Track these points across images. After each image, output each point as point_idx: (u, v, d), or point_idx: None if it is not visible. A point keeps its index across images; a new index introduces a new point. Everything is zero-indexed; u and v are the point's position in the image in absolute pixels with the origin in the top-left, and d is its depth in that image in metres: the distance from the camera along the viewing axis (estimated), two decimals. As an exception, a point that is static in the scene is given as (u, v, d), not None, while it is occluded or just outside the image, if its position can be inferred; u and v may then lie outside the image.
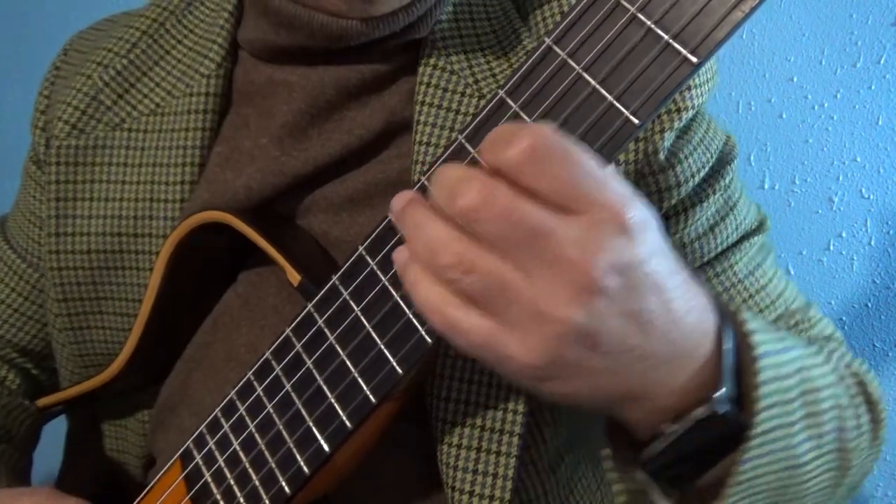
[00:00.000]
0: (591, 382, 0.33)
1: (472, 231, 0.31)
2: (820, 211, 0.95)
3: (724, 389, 0.36)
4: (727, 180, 0.55)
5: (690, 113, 0.49)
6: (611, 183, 0.32)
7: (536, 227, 0.30)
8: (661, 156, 0.49)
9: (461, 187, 0.31)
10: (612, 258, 0.31)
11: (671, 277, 0.33)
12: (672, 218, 0.52)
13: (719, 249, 0.55)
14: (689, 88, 0.48)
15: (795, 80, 0.93)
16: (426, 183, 0.38)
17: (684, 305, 0.34)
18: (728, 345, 0.37)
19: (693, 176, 0.51)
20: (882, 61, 0.89)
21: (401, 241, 0.39)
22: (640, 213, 0.32)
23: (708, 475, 0.38)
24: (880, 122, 0.91)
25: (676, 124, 0.49)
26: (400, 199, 0.35)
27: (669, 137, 0.49)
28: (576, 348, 0.31)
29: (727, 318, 0.38)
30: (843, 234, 0.95)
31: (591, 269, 0.30)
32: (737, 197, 0.56)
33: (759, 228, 0.57)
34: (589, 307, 0.31)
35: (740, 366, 0.37)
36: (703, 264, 0.54)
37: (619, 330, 0.32)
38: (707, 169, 0.53)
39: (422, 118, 0.50)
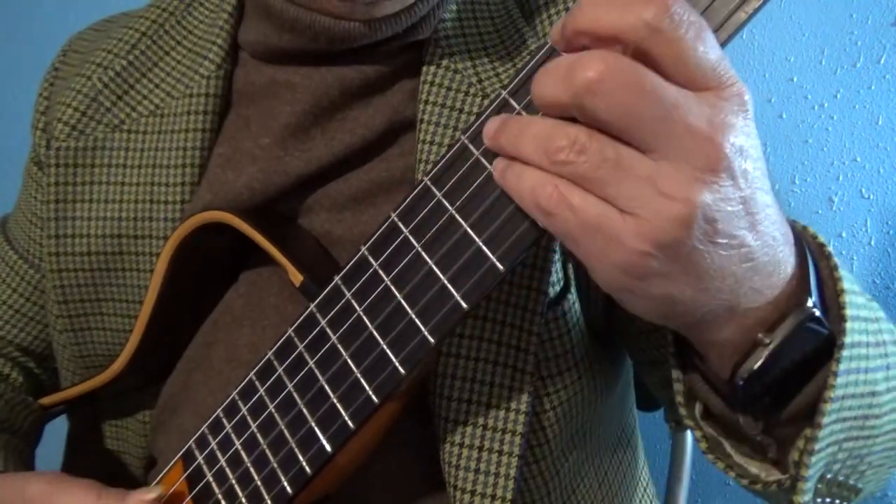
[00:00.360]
0: (698, 282, 0.31)
1: (592, 108, 0.29)
2: (820, 211, 0.95)
3: (813, 296, 0.34)
4: None
5: None
6: (725, 59, 0.30)
7: (663, 97, 0.29)
8: None
9: (580, 62, 0.29)
10: (737, 136, 0.30)
11: (767, 175, 0.32)
12: None
13: None
14: None
15: (795, 80, 0.93)
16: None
17: (777, 207, 0.33)
18: (809, 255, 0.36)
19: None
20: (882, 61, 0.89)
21: (404, 241, 0.39)
22: (748, 94, 0.31)
23: (797, 401, 0.36)
24: (880, 122, 0.91)
25: None
26: (493, 120, 0.34)
27: None
28: (694, 234, 0.29)
29: (798, 232, 0.36)
30: (843, 234, 0.95)
31: (720, 146, 0.29)
32: None
33: None
34: (714, 188, 0.29)
35: (820, 279, 0.36)
36: None
37: (736, 219, 0.30)
38: None
39: (425, 117, 0.50)
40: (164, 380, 0.57)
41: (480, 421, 0.47)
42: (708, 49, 0.30)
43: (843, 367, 0.35)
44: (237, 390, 0.46)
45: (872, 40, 0.89)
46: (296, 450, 0.43)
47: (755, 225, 0.31)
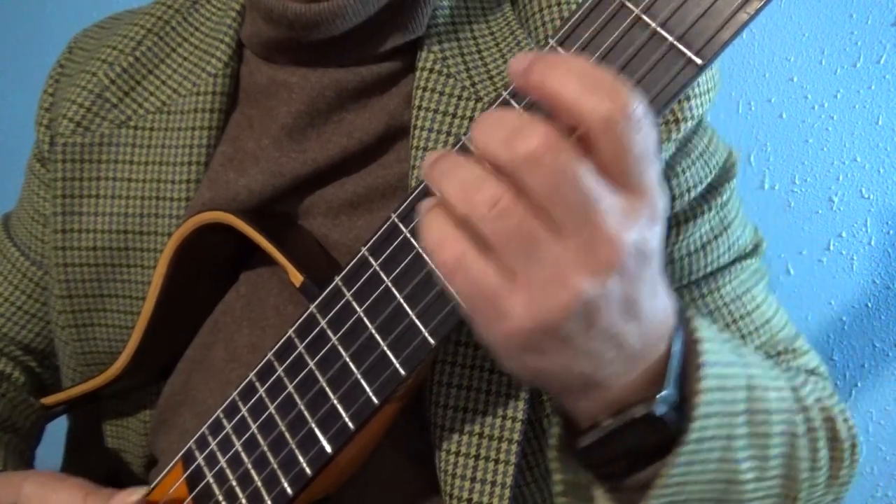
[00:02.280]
0: (568, 362, 0.33)
1: (520, 180, 0.30)
2: (820, 211, 0.95)
3: (664, 391, 0.36)
4: (724, 198, 0.53)
5: (690, 124, 0.48)
6: (657, 172, 0.31)
7: (589, 191, 0.29)
8: (658, 167, 0.49)
9: (524, 131, 0.30)
10: (640, 242, 0.31)
11: (662, 274, 0.34)
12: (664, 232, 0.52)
13: (709, 269, 0.54)
14: (687, 99, 0.47)
15: (795, 80, 0.93)
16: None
17: (662, 303, 0.35)
18: (676, 348, 0.37)
19: (689, 190, 0.51)
20: (882, 61, 0.89)
21: (404, 242, 0.39)
22: (664, 207, 0.32)
23: (640, 475, 0.39)
24: (880, 122, 0.91)
25: (674, 135, 0.48)
26: (432, 154, 0.34)
27: (667, 149, 0.48)
28: (575, 322, 0.31)
29: (682, 323, 0.38)
30: (843, 234, 0.95)
31: (623, 250, 0.30)
32: (732, 216, 0.54)
33: (753, 251, 0.56)
34: (605, 283, 0.30)
35: (687, 371, 0.38)
36: (690, 283, 0.53)
37: (615, 314, 0.32)
38: (704, 185, 0.52)
39: (419, 123, 0.50)
40: (164, 379, 0.57)
41: (476, 429, 0.47)
42: (644, 159, 0.30)
43: (682, 459, 0.37)
44: (237, 391, 0.46)
45: (872, 40, 0.89)
46: (296, 451, 0.43)
47: (632, 321, 0.33)
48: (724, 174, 0.54)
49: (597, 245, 0.30)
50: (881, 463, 1.00)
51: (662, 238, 0.32)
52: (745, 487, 0.41)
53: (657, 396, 0.36)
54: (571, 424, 0.40)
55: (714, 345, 0.39)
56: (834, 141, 0.93)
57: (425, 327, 0.38)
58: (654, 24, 0.34)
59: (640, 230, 0.31)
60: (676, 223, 0.51)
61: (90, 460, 0.63)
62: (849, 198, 0.94)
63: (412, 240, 0.39)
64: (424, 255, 0.38)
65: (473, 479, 0.47)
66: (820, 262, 0.97)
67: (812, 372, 0.55)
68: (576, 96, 0.30)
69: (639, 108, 0.30)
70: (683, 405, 0.37)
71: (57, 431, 0.66)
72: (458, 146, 0.38)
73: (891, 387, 0.99)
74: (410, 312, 0.39)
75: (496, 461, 0.47)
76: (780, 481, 0.43)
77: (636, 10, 0.34)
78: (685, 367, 0.38)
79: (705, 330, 0.39)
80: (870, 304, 0.97)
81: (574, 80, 0.30)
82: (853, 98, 0.91)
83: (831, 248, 0.96)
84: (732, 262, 0.55)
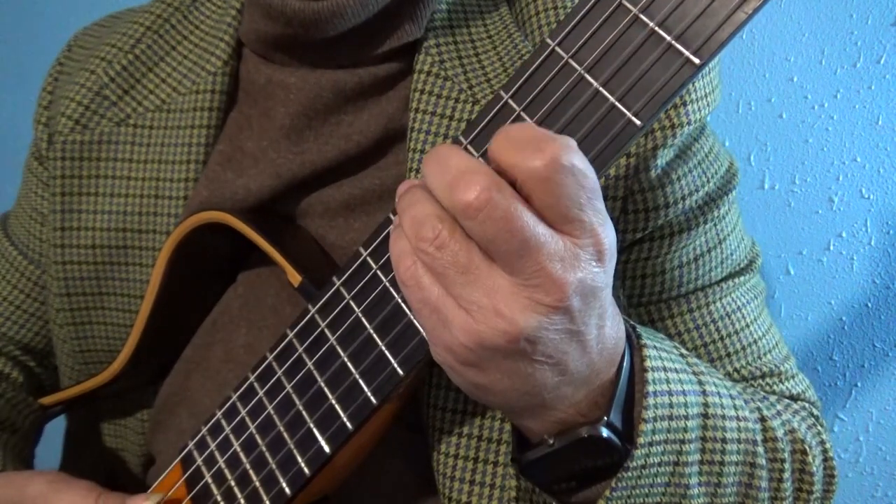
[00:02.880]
0: (509, 382, 0.35)
1: (465, 224, 0.32)
2: (820, 211, 0.95)
3: (608, 417, 0.38)
4: (721, 211, 0.53)
5: (687, 129, 0.47)
6: (602, 209, 0.33)
7: (528, 238, 0.31)
8: (653, 173, 0.48)
9: (464, 180, 0.32)
10: (583, 282, 0.32)
11: (612, 306, 0.36)
12: (657, 241, 0.51)
13: (699, 283, 0.53)
14: (683, 104, 0.47)
15: (795, 80, 0.92)
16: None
17: (612, 334, 0.36)
18: (623, 375, 0.38)
19: (684, 198, 0.50)
20: (882, 61, 0.89)
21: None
22: (613, 242, 0.33)
23: (585, 493, 0.40)
24: (880, 122, 0.91)
25: (670, 141, 0.47)
26: (406, 183, 0.37)
27: (664, 155, 0.48)
28: (513, 349, 0.33)
29: (634, 349, 0.40)
30: (843, 234, 0.95)
31: (564, 287, 0.32)
32: (729, 230, 0.54)
33: (748, 267, 0.56)
34: (544, 320, 0.32)
35: (636, 398, 0.39)
36: (679, 296, 0.53)
37: (557, 345, 0.33)
38: (702, 193, 0.51)
39: (416, 125, 0.50)
40: (162, 379, 0.57)
41: (475, 432, 0.47)
42: (580, 203, 0.32)
43: (623, 483, 0.38)
44: (236, 391, 0.46)
45: (872, 40, 0.89)
46: (294, 451, 0.43)
47: (578, 350, 0.35)
48: (724, 186, 0.53)
49: (541, 287, 0.32)
50: (881, 463, 1.00)
51: (611, 271, 0.34)
52: (697, 501, 0.42)
53: (601, 420, 0.38)
54: (523, 438, 0.41)
55: (666, 374, 0.40)
56: (834, 141, 0.93)
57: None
58: (651, 24, 0.34)
59: (584, 269, 0.32)
60: (670, 233, 0.51)
61: (88, 460, 0.63)
62: (849, 198, 0.94)
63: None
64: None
65: (472, 482, 0.47)
66: (820, 262, 0.97)
67: (797, 398, 0.55)
68: (510, 158, 0.32)
69: (569, 157, 0.31)
70: (632, 430, 0.39)
71: (56, 431, 0.66)
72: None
73: (891, 387, 0.99)
74: (409, 312, 0.39)
75: (494, 464, 0.47)
76: None
77: (634, 10, 0.34)
78: (634, 392, 0.39)
79: (657, 359, 0.40)
80: (870, 304, 0.96)
81: (507, 142, 0.32)
82: (853, 98, 0.91)
83: (831, 248, 0.96)
84: (725, 279, 0.54)
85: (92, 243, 0.56)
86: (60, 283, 0.57)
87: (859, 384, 1.00)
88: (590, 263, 0.33)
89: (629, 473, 0.38)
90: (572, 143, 0.32)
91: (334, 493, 0.47)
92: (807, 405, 0.54)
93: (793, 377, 0.56)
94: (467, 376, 0.35)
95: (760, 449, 0.45)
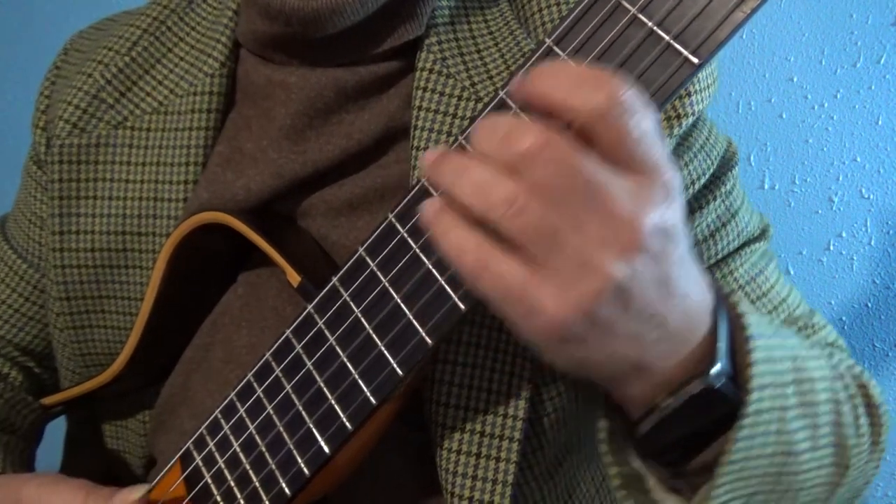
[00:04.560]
0: (610, 348, 0.33)
1: (526, 175, 0.31)
2: (820, 211, 0.95)
3: (718, 365, 0.36)
4: (728, 186, 0.54)
5: (690, 119, 0.48)
6: (664, 147, 0.32)
7: (594, 177, 0.30)
8: None
9: (520, 130, 0.31)
10: (659, 220, 0.31)
11: (690, 251, 0.34)
12: None
13: (720, 255, 0.54)
14: (688, 94, 0.48)
15: (795, 80, 0.93)
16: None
17: (696, 280, 0.35)
18: (722, 322, 0.37)
19: (693, 182, 0.51)
20: (882, 61, 0.89)
21: (402, 242, 0.39)
22: (679, 181, 0.32)
23: (700, 457, 0.38)
24: (880, 122, 0.91)
25: (676, 131, 0.48)
26: (430, 153, 0.35)
27: (669, 144, 0.49)
28: (610, 306, 0.31)
29: (721, 299, 0.38)
30: (843, 234, 0.95)
31: (641, 227, 0.30)
32: (738, 204, 0.55)
33: (761, 236, 0.57)
34: (632, 264, 0.31)
35: (734, 347, 0.38)
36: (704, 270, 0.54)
37: (650, 293, 0.32)
38: (708, 175, 0.52)
39: (419, 123, 0.50)
40: (163, 380, 0.57)
41: (477, 427, 0.47)
42: (646, 141, 0.31)
43: (744, 433, 0.36)
44: (235, 391, 0.46)
45: (872, 40, 0.89)
46: (294, 451, 0.43)
47: (669, 299, 0.33)
48: (726, 164, 0.54)
49: (616, 228, 0.30)
50: (881, 463, 1.00)
51: (681, 212, 0.33)
52: (802, 458, 0.40)
53: (712, 371, 0.36)
54: (622, 415, 0.40)
55: (756, 318, 0.39)
56: (834, 141, 0.93)
57: (423, 327, 0.38)
58: (650, 24, 0.34)
59: (657, 208, 0.31)
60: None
61: (89, 461, 0.63)
62: (849, 198, 0.94)
63: (409, 240, 0.39)
64: (422, 256, 0.38)
65: (475, 478, 0.47)
66: (820, 262, 0.97)
67: (832, 345, 0.56)
68: (566, 94, 0.31)
69: (629, 92, 0.30)
70: (736, 380, 0.37)
71: (56, 431, 0.66)
72: (454, 147, 0.38)
73: (891, 387, 0.99)
74: (408, 312, 0.39)
75: (497, 459, 0.47)
76: (832, 450, 0.42)
77: (633, 10, 0.34)
78: (732, 341, 0.38)
79: (745, 305, 0.39)
80: (870, 304, 0.96)
81: (562, 80, 0.31)
82: (853, 98, 0.91)
83: (831, 248, 0.96)
84: (741, 247, 0.55)
85: (91, 247, 0.56)
86: (60, 287, 0.57)
87: (860, 384, 1.00)
88: (662, 202, 0.31)
89: (747, 420, 0.36)
90: (624, 79, 0.31)
91: (334, 492, 0.47)
92: (841, 350, 0.55)
93: (824, 327, 0.57)
94: (567, 353, 0.34)
95: (838, 385, 0.44)
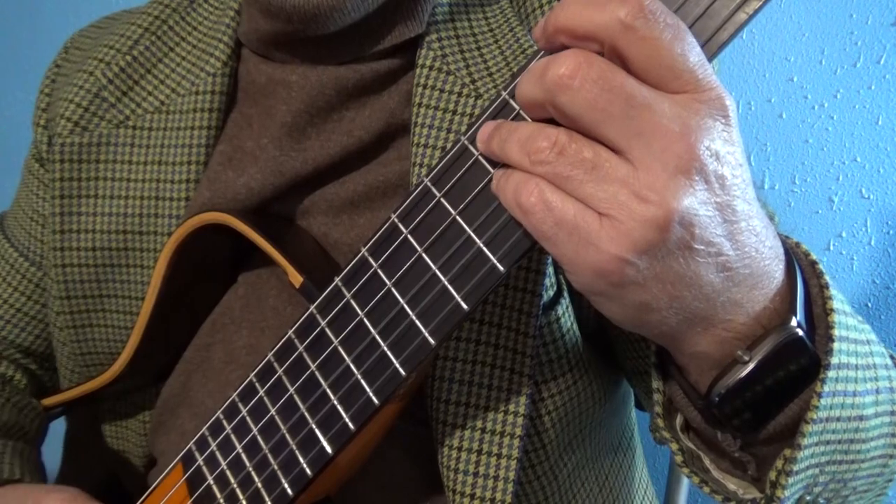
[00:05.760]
0: (674, 290, 0.31)
1: (562, 104, 0.30)
2: (820, 211, 0.95)
3: (800, 315, 0.33)
4: None
5: None
6: (706, 62, 0.30)
7: (632, 94, 0.29)
8: None
9: (553, 62, 0.30)
10: (713, 140, 0.29)
11: (751, 186, 0.32)
12: None
13: None
14: None
15: (795, 80, 0.93)
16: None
17: (762, 220, 0.33)
18: (797, 268, 0.35)
19: None
20: (882, 61, 0.89)
21: (405, 242, 0.39)
22: (734, 102, 0.30)
23: (777, 420, 0.35)
24: (880, 122, 0.91)
25: None
26: (486, 126, 0.35)
27: None
28: (671, 238, 0.29)
29: (790, 248, 0.36)
30: (843, 234, 0.95)
31: (693, 147, 0.29)
32: None
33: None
34: (688, 190, 0.29)
35: (809, 297, 0.35)
36: None
37: (713, 225, 0.30)
38: None
39: (419, 120, 0.50)
40: (163, 380, 0.57)
41: (478, 424, 0.47)
42: (684, 51, 0.29)
43: (828, 388, 0.34)
44: (237, 392, 0.46)
45: (872, 40, 0.89)
46: (296, 452, 0.43)
47: (734, 234, 0.31)
48: None
49: (666, 151, 0.29)
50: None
51: (740, 137, 0.31)
52: (869, 424, 0.37)
53: (794, 320, 0.33)
54: (679, 388, 0.37)
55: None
56: (834, 141, 0.93)
57: (426, 327, 0.38)
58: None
59: (708, 126, 0.29)
60: None
61: (89, 461, 0.63)
62: (849, 198, 0.94)
63: (412, 240, 0.39)
64: (424, 256, 0.38)
65: (476, 475, 0.47)
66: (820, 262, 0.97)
67: None
68: (588, 17, 0.30)
69: (654, 3, 0.29)
70: (814, 334, 0.34)
71: (57, 433, 0.65)
72: (457, 146, 0.38)
73: (891, 387, 0.99)
74: (411, 313, 0.39)
75: (498, 456, 0.47)
76: (890, 418, 0.39)
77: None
78: (807, 292, 0.35)
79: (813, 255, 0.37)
80: (870, 304, 0.96)
81: (580, 7, 0.30)
82: (853, 98, 0.91)
83: (831, 248, 0.96)
84: None
85: (92, 245, 0.56)
86: (60, 286, 0.57)
87: (859, 384, 1.00)
88: (714, 120, 0.29)
89: (832, 374, 0.33)
90: None
91: (337, 493, 0.47)
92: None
93: None
94: (627, 298, 0.31)
95: (881, 349, 0.41)
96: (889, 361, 0.41)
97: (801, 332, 0.33)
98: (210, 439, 0.47)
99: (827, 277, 0.35)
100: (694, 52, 0.30)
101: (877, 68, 0.89)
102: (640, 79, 0.30)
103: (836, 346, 0.34)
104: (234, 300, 0.54)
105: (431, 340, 0.38)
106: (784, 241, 0.36)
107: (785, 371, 0.34)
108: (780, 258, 0.34)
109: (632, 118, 0.29)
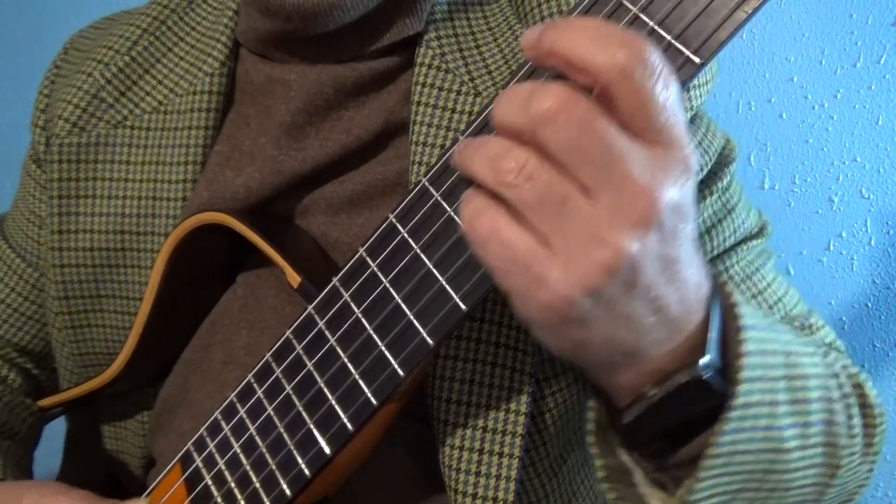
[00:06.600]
0: (610, 330, 0.32)
1: (542, 138, 0.30)
2: (820, 211, 0.95)
3: (708, 356, 0.35)
4: (725, 182, 0.54)
5: (688, 115, 0.49)
6: (684, 121, 0.31)
7: (612, 142, 0.29)
8: None
9: (540, 91, 0.30)
10: (674, 195, 0.30)
11: (695, 234, 0.33)
12: None
13: (716, 252, 0.54)
14: (687, 90, 0.48)
15: (795, 80, 0.92)
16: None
17: (698, 265, 0.34)
18: (715, 314, 0.36)
19: None
20: (882, 61, 0.89)
21: (402, 242, 0.39)
22: (695, 157, 0.31)
23: (686, 450, 0.37)
24: (880, 122, 0.91)
25: None
26: (460, 143, 0.35)
27: None
28: (617, 283, 0.30)
29: (716, 288, 0.37)
30: (843, 234, 0.95)
31: (657, 200, 0.29)
32: (735, 200, 0.55)
33: (759, 233, 0.57)
34: (644, 240, 0.30)
35: (726, 337, 0.37)
36: None
37: (655, 274, 0.31)
38: (705, 171, 0.52)
39: (418, 118, 0.50)
40: (162, 381, 0.57)
41: (480, 423, 0.47)
42: (668, 108, 0.30)
43: (731, 426, 0.35)
44: (235, 392, 0.46)
45: (872, 40, 0.89)
46: (294, 452, 0.42)
47: (673, 282, 0.32)
48: (723, 160, 0.54)
49: (631, 199, 0.29)
50: (881, 463, 1.00)
51: (694, 192, 0.32)
52: (791, 457, 0.39)
53: (700, 362, 0.35)
54: (611, 406, 0.39)
55: (750, 310, 0.38)
56: (834, 141, 0.93)
57: (423, 327, 0.38)
58: (651, 23, 0.33)
59: (673, 183, 0.30)
60: None
61: (88, 462, 0.63)
62: (849, 198, 0.94)
63: (410, 240, 0.39)
64: (422, 256, 0.38)
65: (478, 474, 0.47)
66: (820, 262, 0.97)
67: (829, 346, 0.55)
68: (589, 52, 0.30)
69: (655, 55, 0.29)
70: (726, 372, 0.36)
71: (56, 433, 0.66)
72: (456, 145, 0.38)
73: (891, 387, 0.99)
74: (409, 313, 0.39)
75: (500, 455, 0.46)
76: (822, 449, 0.41)
77: (634, 9, 0.34)
78: (724, 332, 0.37)
79: (739, 296, 0.38)
80: (870, 304, 0.96)
81: (585, 37, 0.30)
82: (853, 98, 0.91)
83: (831, 248, 0.96)
84: (739, 243, 0.55)
85: (90, 246, 0.56)
86: (58, 287, 0.57)
87: (860, 384, 1.00)
88: (678, 178, 0.30)
89: (734, 413, 0.35)
90: (650, 42, 0.30)
91: (336, 493, 0.47)
92: (838, 351, 0.54)
93: (822, 328, 0.56)
94: (568, 335, 0.33)
95: (832, 383, 0.43)
96: (835, 394, 0.43)
97: (705, 374, 0.35)
98: (208, 440, 0.47)
99: (743, 321, 0.36)
100: (676, 112, 0.30)
101: (877, 68, 0.89)
102: (621, 123, 0.30)
103: (743, 388, 0.35)
104: (233, 300, 0.54)
105: (430, 340, 0.38)
106: (713, 277, 0.37)
107: (688, 406, 0.36)
108: (704, 300, 0.35)
109: (607, 165, 0.29)
